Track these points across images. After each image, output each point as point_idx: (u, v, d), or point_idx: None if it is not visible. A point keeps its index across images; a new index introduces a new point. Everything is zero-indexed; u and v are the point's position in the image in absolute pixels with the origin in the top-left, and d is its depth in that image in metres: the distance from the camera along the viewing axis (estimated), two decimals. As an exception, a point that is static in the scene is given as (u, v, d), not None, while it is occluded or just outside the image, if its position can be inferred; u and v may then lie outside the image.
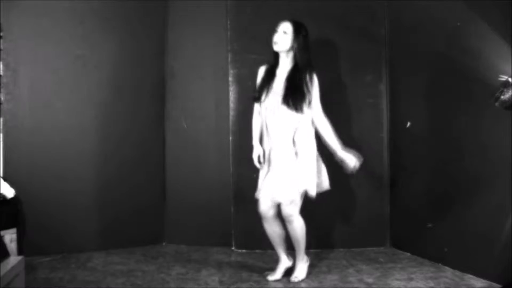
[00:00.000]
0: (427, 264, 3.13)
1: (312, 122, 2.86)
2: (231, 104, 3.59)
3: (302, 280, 2.85)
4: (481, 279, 2.73)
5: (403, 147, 3.52)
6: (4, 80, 3.27)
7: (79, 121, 3.47)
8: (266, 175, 2.84)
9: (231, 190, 3.57)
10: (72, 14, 3.43)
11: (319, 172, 2.89)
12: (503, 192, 2.61)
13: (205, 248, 3.60)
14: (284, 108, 2.78)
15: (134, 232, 3.65)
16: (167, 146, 3.80)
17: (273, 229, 2.89)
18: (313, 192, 2.82)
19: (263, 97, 2.85)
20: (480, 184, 2.83)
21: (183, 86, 3.77)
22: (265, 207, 2.83)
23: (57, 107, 3.41)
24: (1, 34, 3.23)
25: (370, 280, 2.83)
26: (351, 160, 2.85)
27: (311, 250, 3.53)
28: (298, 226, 2.84)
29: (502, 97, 2.47)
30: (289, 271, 2.93)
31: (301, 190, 2.78)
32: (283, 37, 2.80)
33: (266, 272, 2.97)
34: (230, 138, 3.58)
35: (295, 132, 2.80)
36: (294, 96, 2.77)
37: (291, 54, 2.83)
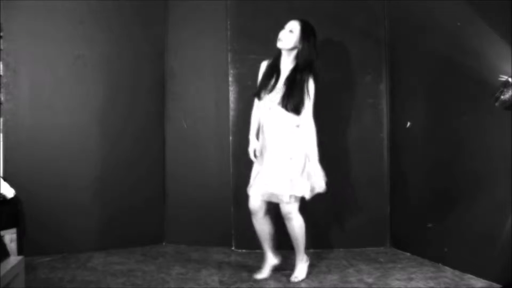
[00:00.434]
0: (427, 264, 3.13)
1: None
2: (231, 104, 3.59)
3: (302, 280, 2.85)
4: (481, 279, 2.73)
5: (403, 147, 3.52)
6: (4, 80, 3.27)
7: (79, 121, 3.47)
8: (258, 172, 2.84)
9: (231, 190, 3.57)
10: (72, 14, 3.43)
11: (313, 174, 2.85)
12: (503, 192, 2.61)
13: (205, 248, 3.60)
14: (280, 108, 2.77)
15: (134, 232, 3.65)
16: (167, 146, 3.80)
17: (262, 227, 2.90)
18: (306, 195, 2.80)
19: (262, 94, 2.85)
20: (480, 184, 2.83)
21: (183, 86, 3.77)
22: (256, 203, 2.84)
23: (57, 107, 3.41)
24: (1, 34, 3.23)
25: (370, 280, 2.83)
26: (319, 177, 2.85)
27: (311, 250, 3.53)
28: (297, 224, 2.83)
29: (502, 97, 2.47)
30: (277, 269, 2.96)
31: (294, 191, 2.76)
32: (289, 36, 2.80)
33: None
34: (230, 138, 3.58)
35: (290, 132, 2.79)
36: (292, 98, 2.76)
37: (293, 53, 2.83)
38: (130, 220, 3.63)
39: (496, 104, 2.51)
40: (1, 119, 3.25)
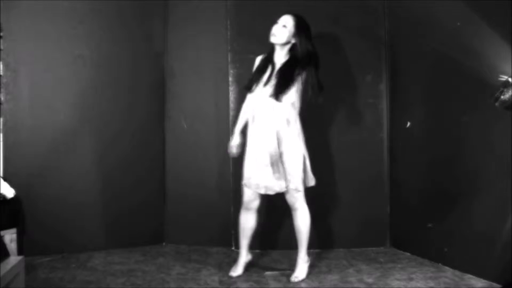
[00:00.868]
0: (427, 264, 3.13)
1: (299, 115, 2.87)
2: (231, 104, 3.59)
3: (302, 280, 2.85)
4: (481, 279, 2.73)
5: (403, 147, 3.52)
6: (4, 80, 3.26)
7: (79, 121, 3.47)
8: (252, 165, 2.85)
9: (231, 190, 3.56)
10: (72, 14, 3.42)
11: (305, 168, 2.87)
12: (503, 192, 2.61)
13: (205, 248, 3.60)
14: (272, 100, 2.78)
15: (134, 232, 3.65)
16: (167, 146, 3.80)
17: (249, 221, 2.93)
18: (300, 188, 2.81)
19: (254, 87, 2.86)
20: (480, 184, 2.83)
21: (183, 86, 3.77)
22: (250, 197, 2.87)
23: (57, 107, 3.41)
24: (1, 34, 3.23)
25: (370, 280, 2.83)
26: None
27: (311, 250, 3.53)
28: (302, 215, 2.85)
29: (502, 97, 2.47)
30: (276, 269, 3.03)
31: (291, 184, 2.78)
32: (282, 30, 2.81)
33: (266, 273, 2.98)
34: (230, 138, 3.57)
35: (282, 125, 2.80)
36: (283, 89, 2.77)
37: (287, 48, 2.84)
38: (130, 220, 3.63)
39: (496, 104, 2.50)
40: (1, 119, 3.25)
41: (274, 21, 2.90)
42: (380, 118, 3.63)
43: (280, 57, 2.86)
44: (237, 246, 3.56)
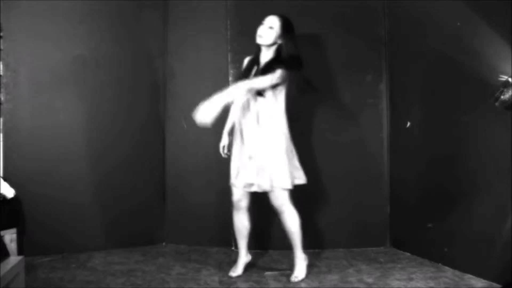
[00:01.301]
0: (427, 264, 3.13)
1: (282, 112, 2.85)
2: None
3: (302, 280, 2.85)
4: (481, 279, 2.73)
5: (403, 147, 3.52)
6: (4, 80, 3.26)
7: (79, 121, 3.47)
8: (239, 163, 2.86)
9: (231, 190, 3.56)
10: (72, 14, 3.43)
11: (292, 163, 2.85)
12: (503, 192, 2.61)
13: (205, 248, 3.61)
14: (255, 96, 2.80)
15: (134, 232, 3.66)
16: (167, 146, 3.80)
17: (241, 221, 2.94)
18: (287, 185, 2.79)
19: None
20: (480, 184, 2.83)
21: (183, 86, 3.77)
22: (238, 196, 2.88)
23: (57, 107, 3.41)
24: (1, 34, 3.23)
25: (370, 280, 2.83)
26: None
27: (311, 250, 3.53)
28: (290, 216, 2.83)
29: (502, 97, 2.47)
30: (249, 266, 3.03)
31: (274, 182, 2.77)
32: (268, 32, 2.82)
33: (266, 273, 2.98)
34: (231, 137, 3.58)
35: (268, 122, 2.80)
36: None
37: (273, 48, 2.85)
38: (130, 220, 3.63)
39: (496, 104, 2.50)
40: (1, 119, 3.25)
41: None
42: (380, 118, 3.63)
43: (266, 57, 2.88)
44: (237, 246, 3.56)
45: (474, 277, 2.78)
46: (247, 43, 3.55)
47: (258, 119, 2.81)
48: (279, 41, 2.82)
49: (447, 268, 3.00)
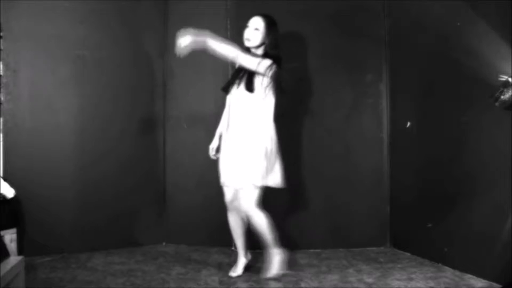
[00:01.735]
0: (427, 264, 3.13)
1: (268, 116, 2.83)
2: (231, 104, 3.59)
3: (280, 275, 2.84)
4: (481, 279, 2.73)
5: (403, 147, 3.52)
6: (4, 80, 3.26)
7: (79, 121, 3.47)
8: (222, 162, 2.91)
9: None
10: (72, 14, 3.43)
11: (271, 165, 2.81)
12: (503, 192, 2.61)
13: (205, 248, 3.61)
14: (244, 95, 2.80)
15: (134, 232, 3.66)
16: (167, 146, 3.80)
17: (236, 220, 2.94)
18: (258, 183, 2.75)
19: (230, 88, 2.91)
20: (480, 184, 2.82)
21: (183, 86, 3.77)
22: (230, 196, 2.89)
23: (57, 107, 3.41)
24: (1, 34, 3.23)
25: (370, 280, 2.82)
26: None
27: (311, 250, 3.54)
28: (257, 221, 2.79)
29: (502, 97, 2.47)
30: (249, 266, 3.02)
31: (247, 179, 2.75)
32: (255, 34, 2.84)
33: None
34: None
35: (253, 121, 2.80)
36: (248, 78, 2.79)
37: (260, 49, 2.87)
38: (130, 220, 3.64)
39: (496, 104, 2.51)
40: (1, 119, 3.25)
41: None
42: (380, 118, 3.63)
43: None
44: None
45: (474, 277, 2.78)
46: (247, 43, 3.56)
47: (244, 118, 2.82)
48: (266, 41, 2.84)
49: (447, 268, 3.00)
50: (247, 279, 2.90)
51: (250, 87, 2.78)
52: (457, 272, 2.90)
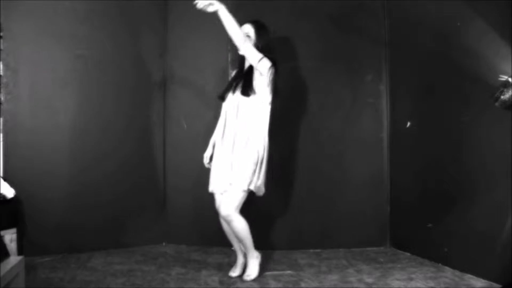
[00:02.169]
0: (427, 264, 3.13)
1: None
2: (231, 104, 3.59)
3: (255, 278, 2.85)
4: (481, 279, 2.73)
5: (403, 147, 3.52)
6: (4, 80, 3.26)
7: (79, 121, 3.47)
8: (212, 168, 2.93)
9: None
10: (72, 14, 3.43)
11: (258, 171, 2.80)
12: (503, 192, 2.61)
13: (205, 248, 3.61)
14: (240, 101, 2.81)
15: (134, 232, 3.66)
16: (167, 146, 3.80)
17: (228, 225, 2.92)
18: (243, 186, 2.74)
19: (225, 95, 2.93)
20: (480, 184, 2.82)
21: (183, 86, 3.77)
22: (218, 203, 2.89)
23: (57, 107, 3.41)
24: (1, 34, 3.23)
25: (370, 280, 2.82)
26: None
27: (311, 250, 3.54)
28: (237, 226, 2.79)
29: (502, 97, 2.47)
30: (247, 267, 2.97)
31: (233, 182, 2.75)
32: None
33: (266, 273, 2.98)
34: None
35: (249, 126, 2.80)
36: (247, 85, 2.80)
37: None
38: (130, 220, 3.64)
39: (496, 104, 2.51)
40: (1, 119, 3.25)
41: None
42: (380, 118, 3.63)
43: (249, 64, 2.89)
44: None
45: (474, 277, 2.78)
46: (247, 43, 3.56)
47: (240, 124, 2.82)
48: (259, 46, 2.85)
49: (447, 268, 3.00)
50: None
51: (246, 91, 2.79)
52: (457, 272, 2.90)
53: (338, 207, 3.61)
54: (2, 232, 2.91)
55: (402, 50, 3.51)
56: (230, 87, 2.94)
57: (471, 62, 2.80)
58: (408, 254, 3.40)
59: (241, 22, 3.58)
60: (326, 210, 3.60)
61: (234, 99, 2.87)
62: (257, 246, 3.30)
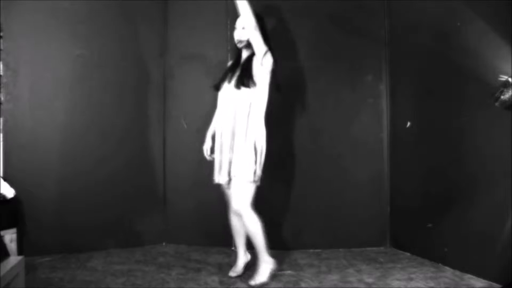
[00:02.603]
0: (427, 264, 3.13)
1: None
2: (231, 104, 3.59)
3: (264, 284, 2.76)
4: (481, 279, 2.73)
5: (403, 147, 3.52)
6: (4, 80, 3.27)
7: (79, 121, 3.47)
8: (215, 159, 2.90)
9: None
10: (72, 14, 3.43)
11: (259, 161, 2.75)
12: (503, 192, 2.61)
13: (205, 248, 3.61)
14: (236, 91, 2.78)
15: (134, 232, 3.66)
16: (167, 146, 3.80)
17: (239, 219, 2.90)
18: (249, 178, 2.70)
19: (221, 85, 2.90)
20: (480, 184, 2.83)
21: (183, 86, 3.78)
22: (228, 195, 2.87)
23: (57, 107, 3.41)
24: (1, 34, 3.23)
25: (370, 280, 2.83)
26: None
27: (311, 250, 3.54)
28: (248, 221, 2.74)
29: (502, 97, 2.47)
30: (249, 266, 3.00)
31: (238, 174, 2.72)
32: (243, 33, 2.84)
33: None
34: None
35: (240, 115, 2.77)
36: (245, 77, 2.76)
37: (251, 47, 2.84)
38: (130, 220, 3.64)
39: (496, 104, 2.51)
40: (1, 119, 3.25)
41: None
42: (380, 118, 3.63)
43: (246, 55, 2.89)
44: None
45: (474, 277, 2.78)
46: (247, 43, 3.56)
47: (236, 114, 2.78)
48: None
49: (447, 268, 3.00)
50: (247, 279, 2.90)
51: (246, 82, 2.75)
52: (457, 272, 2.90)
53: (338, 207, 3.61)
54: (2, 232, 2.91)
55: (402, 50, 3.51)
56: (226, 77, 2.91)
57: (471, 62, 2.81)
58: (408, 254, 3.40)
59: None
60: (326, 210, 3.60)
61: (230, 89, 2.83)
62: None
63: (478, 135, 2.82)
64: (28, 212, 3.24)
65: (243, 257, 3.01)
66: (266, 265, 2.81)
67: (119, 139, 3.59)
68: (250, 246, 3.08)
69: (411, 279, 2.83)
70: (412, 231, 3.41)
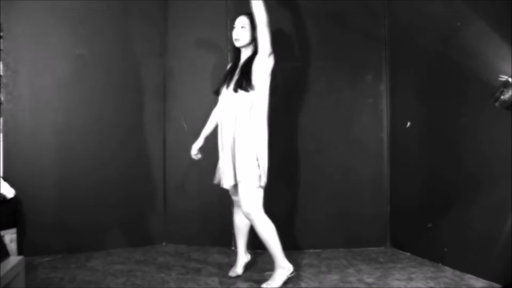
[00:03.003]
0: (427, 264, 3.13)
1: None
2: (231, 104, 3.59)
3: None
4: (481, 279, 2.73)
5: (403, 147, 3.52)
6: (4, 80, 3.27)
7: (79, 121, 3.47)
8: (219, 161, 2.90)
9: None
10: (72, 14, 3.43)
11: (262, 164, 2.70)
12: (503, 192, 2.61)
13: (205, 248, 3.61)
14: (235, 95, 2.75)
15: (134, 232, 3.66)
16: (167, 146, 3.80)
17: (242, 218, 2.91)
18: (254, 183, 2.64)
19: (220, 90, 2.89)
20: (480, 184, 2.82)
21: (183, 86, 3.78)
22: (233, 194, 2.87)
23: (57, 107, 3.41)
24: (1, 34, 3.23)
25: (370, 280, 2.82)
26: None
27: (311, 250, 3.54)
28: (260, 226, 2.66)
29: (502, 97, 2.47)
30: (248, 266, 3.01)
31: (241, 180, 2.67)
32: (242, 32, 2.83)
33: (266, 273, 2.97)
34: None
35: (240, 118, 2.74)
36: (243, 81, 2.73)
37: (251, 47, 2.84)
38: (130, 220, 3.64)
39: (496, 104, 2.50)
40: (1, 119, 3.25)
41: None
42: (380, 118, 3.63)
43: (246, 56, 2.87)
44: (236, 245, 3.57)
45: (474, 277, 2.78)
46: (247, 43, 3.56)
47: (234, 115, 2.75)
48: (255, 36, 2.77)
49: (447, 268, 3.00)
50: (247, 279, 2.90)
51: (245, 86, 2.72)
52: (457, 272, 2.90)
53: (338, 207, 3.61)
54: (2, 232, 2.92)
55: (402, 50, 3.51)
56: (225, 81, 2.90)
57: (471, 62, 2.80)
58: (408, 254, 3.40)
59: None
60: (326, 210, 3.60)
61: (230, 93, 2.80)
62: (257, 246, 3.31)
63: (478, 135, 2.82)
64: (28, 212, 3.24)
65: (243, 257, 3.01)
66: (282, 271, 2.70)
67: (119, 139, 3.59)
68: (250, 246, 3.09)
69: (411, 279, 2.83)
70: (412, 231, 3.41)
